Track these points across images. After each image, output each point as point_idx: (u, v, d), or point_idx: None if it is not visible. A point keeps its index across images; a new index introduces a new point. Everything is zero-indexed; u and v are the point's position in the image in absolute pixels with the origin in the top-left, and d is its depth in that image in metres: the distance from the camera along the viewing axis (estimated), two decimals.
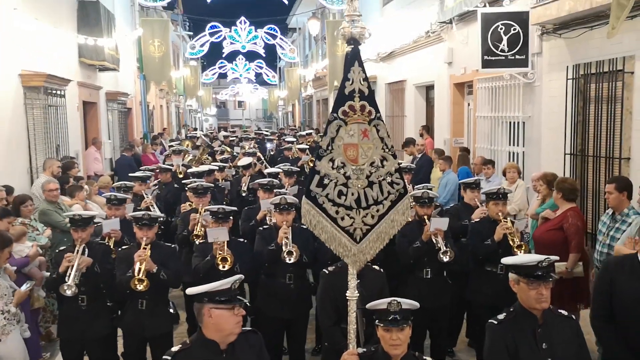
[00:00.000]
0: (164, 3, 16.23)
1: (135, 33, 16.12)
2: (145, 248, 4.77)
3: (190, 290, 3.10)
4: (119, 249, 5.19)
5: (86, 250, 4.84)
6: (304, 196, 3.38)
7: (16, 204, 6.32)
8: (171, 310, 5.11)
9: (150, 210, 6.79)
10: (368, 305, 3.37)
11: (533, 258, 3.30)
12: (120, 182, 7.94)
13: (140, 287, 4.64)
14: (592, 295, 3.97)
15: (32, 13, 8.87)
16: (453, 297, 5.66)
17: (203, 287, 3.09)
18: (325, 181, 3.31)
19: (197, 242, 5.81)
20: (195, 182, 7.12)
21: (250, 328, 3.34)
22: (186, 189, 7.32)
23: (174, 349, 3.12)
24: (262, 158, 11.48)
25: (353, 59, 3.29)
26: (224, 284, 3.06)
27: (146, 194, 7.53)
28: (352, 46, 3.29)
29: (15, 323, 4.53)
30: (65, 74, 10.09)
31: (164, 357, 3.07)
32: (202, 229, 5.91)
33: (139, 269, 4.66)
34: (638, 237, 3.97)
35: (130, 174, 8.70)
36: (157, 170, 9.40)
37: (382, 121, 3.37)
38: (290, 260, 5.11)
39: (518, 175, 7.77)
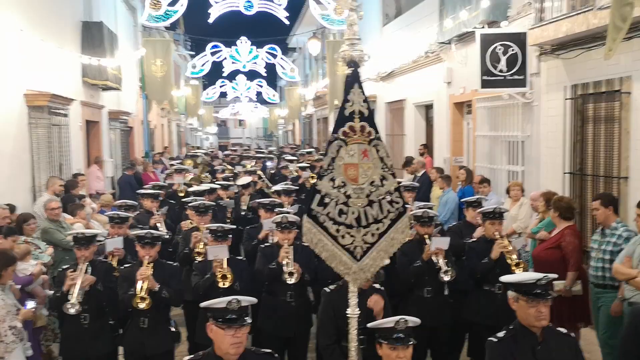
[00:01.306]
0: (166, 24, 16.38)
1: (138, 53, 16.29)
2: (147, 266, 4.81)
3: (202, 304, 3.23)
4: (122, 267, 5.23)
5: (89, 268, 4.87)
6: (305, 215, 3.44)
7: (19, 223, 6.36)
8: (172, 329, 5.13)
9: (158, 228, 6.84)
10: (372, 324, 3.40)
11: (532, 276, 3.34)
12: (121, 201, 7.97)
13: (142, 305, 4.67)
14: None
15: (37, 34, 8.99)
16: (454, 315, 5.68)
17: (205, 302, 3.19)
18: (326, 200, 3.37)
19: (198, 260, 5.85)
20: (195, 200, 7.18)
21: (268, 351, 3.36)
22: (186, 207, 7.37)
23: (186, 358, 3.23)
24: (263, 176, 11.56)
25: (353, 81, 3.37)
26: (218, 303, 3.11)
27: (156, 212, 7.56)
28: (352, 69, 3.37)
29: (18, 341, 4.54)
30: (69, 93, 10.18)
31: None
32: (204, 246, 5.94)
33: (141, 287, 4.69)
34: None
35: (139, 191, 8.74)
36: None
37: (382, 141, 3.44)
38: (291, 281, 5.14)
39: (522, 194, 7.80)
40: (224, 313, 3.08)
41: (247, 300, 3.21)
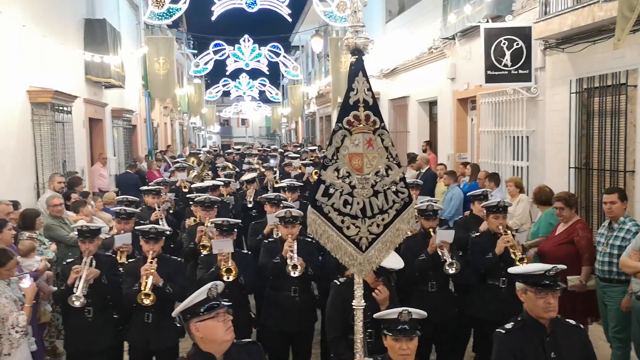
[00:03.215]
0: (169, 21, 16.34)
1: (141, 51, 16.27)
2: (151, 262, 4.77)
3: (174, 313, 3.06)
4: (126, 262, 5.20)
5: (93, 262, 4.85)
6: (309, 206, 3.39)
7: (32, 217, 6.35)
8: (177, 324, 5.09)
9: (159, 223, 6.83)
10: (376, 315, 3.36)
11: (540, 267, 3.30)
12: (123, 196, 7.95)
13: (146, 302, 4.64)
14: None
15: (40, 30, 8.97)
16: (459, 310, 5.63)
17: (181, 304, 3.01)
18: (331, 191, 3.32)
19: (203, 253, 5.83)
20: (200, 196, 7.16)
21: (250, 340, 3.29)
22: (191, 202, 7.35)
23: None
24: (277, 171, 11.62)
25: (357, 69, 3.32)
26: (200, 294, 2.98)
27: (157, 207, 7.55)
28: (357, 57, 3.32)
29: (24, 336, 4.51)
30: (72, 90, 10.16)
31: None
32: (209, 240, 5.92)
33: (145, 283, 4.66)
34: None
35: (142, 188, 8.75)
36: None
37: (387, 130, 3.40)
38: (295, 274, 5.10)
39: (518, 190, 7.67)
40: (205, 302, 2.94)
41: (221, 285, 3.11)
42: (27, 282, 4.77)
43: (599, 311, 5.61)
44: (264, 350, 3.31)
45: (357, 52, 3.30)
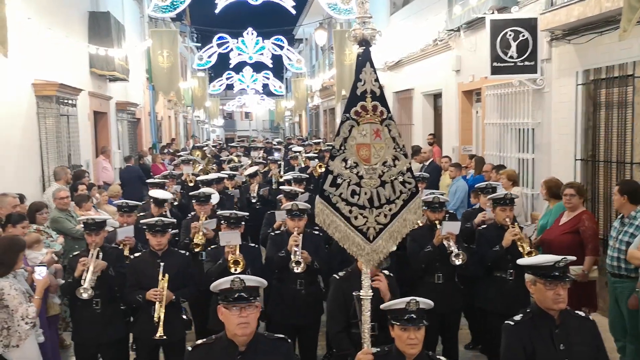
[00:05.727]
0: (172, 14, 16.32)
1: (145, 44, 16.26)
2: (164, 289, 4.77)
3: (211, 287, 3.22)
4: (132, 257, 5.21)
5: (100, 254, 4.86)
6: (317, 196, 3.40)
7: (32, 211, 6.36)
8: (184, 317, 5.11)
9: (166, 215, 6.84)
10: (383, 305, 3.36)
11: (550, 258, 3.28)
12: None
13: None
14: None
15: (45, 23, 8.97)
16: (466, 303, 5.63)
17: (213, 283, 3.19)
18: (339, 181, 3.33)
19: (196, 250, 5.87)
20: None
21: (282, 336, 3.30)
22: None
23: (199, 341, 3.19)
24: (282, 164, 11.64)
25: (364, 60, 3.32)
26: (223, 283, 3.09)
27: None
28: (364, 47, 3.32)
29: (32, 327, 4.53)
30: (77, 83, 10.16)
31: (187, 347, 3.18)
32: (203, 237, 5.94)
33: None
34: None
35: (148, 180, 8.75)
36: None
37: (394, 121, 3.40)
38: (297, 270, 5.08)
39: (511, 183, 7.48)
40: (229, 293, 3.04)
41: (251, 279, 3.14)
42: (41, 274, 4.79)
43: (596, 302, 5.58)
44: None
45: (365, 43, 3.30)
